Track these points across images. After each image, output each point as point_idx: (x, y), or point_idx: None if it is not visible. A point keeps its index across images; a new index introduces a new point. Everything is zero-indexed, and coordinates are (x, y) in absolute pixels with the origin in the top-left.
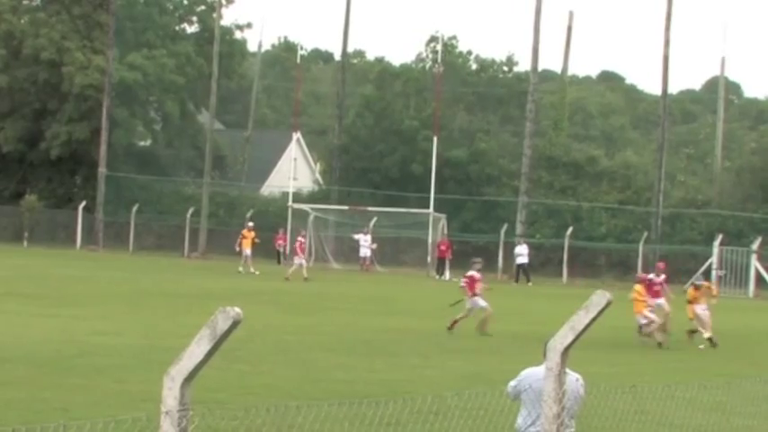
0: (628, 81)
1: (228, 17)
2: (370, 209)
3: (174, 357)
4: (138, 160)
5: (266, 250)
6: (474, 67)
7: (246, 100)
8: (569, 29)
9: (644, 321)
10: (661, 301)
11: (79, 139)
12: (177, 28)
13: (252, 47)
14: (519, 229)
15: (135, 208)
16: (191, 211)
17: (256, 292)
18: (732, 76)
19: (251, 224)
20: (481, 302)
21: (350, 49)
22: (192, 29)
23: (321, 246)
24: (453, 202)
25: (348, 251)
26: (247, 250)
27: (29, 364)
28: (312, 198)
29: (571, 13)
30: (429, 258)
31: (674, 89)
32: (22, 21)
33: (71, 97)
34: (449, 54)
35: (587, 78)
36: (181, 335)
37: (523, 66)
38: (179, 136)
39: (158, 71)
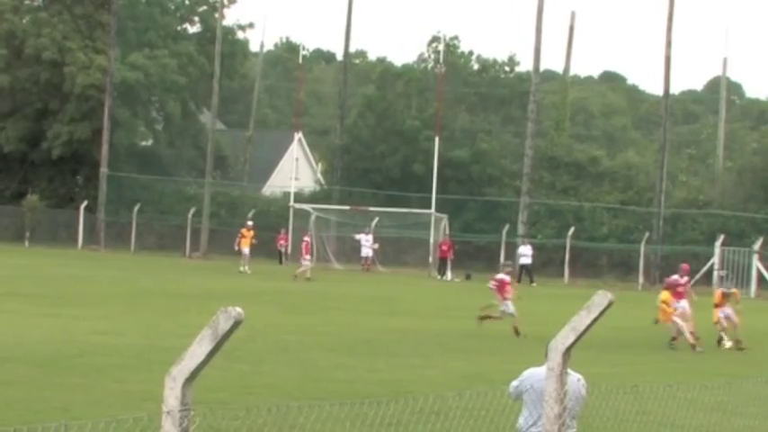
0: (629, 81)
1: (230, 17)
2: (371, 209)
3: (175, 357)
4: (139, 160)
5: (268, 250)
6: (476, 67)
7: (248, 100)
8: (571, 29)
9: (676, 329)
10: (684, 303)
11: (81, 139)
12: (179, 28)
13: (254, 47)
14: (521, 229)
15: (136, 208)
16: (192, 210)
17: (258, 292)
18: (734, 76)
19: (250, 223)
20: (511, 308)
21: (352, 50)
22: (193, 29)
23: (323, 246)
24: (455, 202)
25: (350, 251)
26: (246, 249)
27: (30, 364)
28: (314, 198)
29: (573, 14)
30: (431, 258)
31: (675, 89)
32: (24, 20)
33: (73, 97)
34: (451, 54)
35: (589, 79)
36: (182, 335)
37: (525, 66)
38: (181, 136)
39: (160, 71)
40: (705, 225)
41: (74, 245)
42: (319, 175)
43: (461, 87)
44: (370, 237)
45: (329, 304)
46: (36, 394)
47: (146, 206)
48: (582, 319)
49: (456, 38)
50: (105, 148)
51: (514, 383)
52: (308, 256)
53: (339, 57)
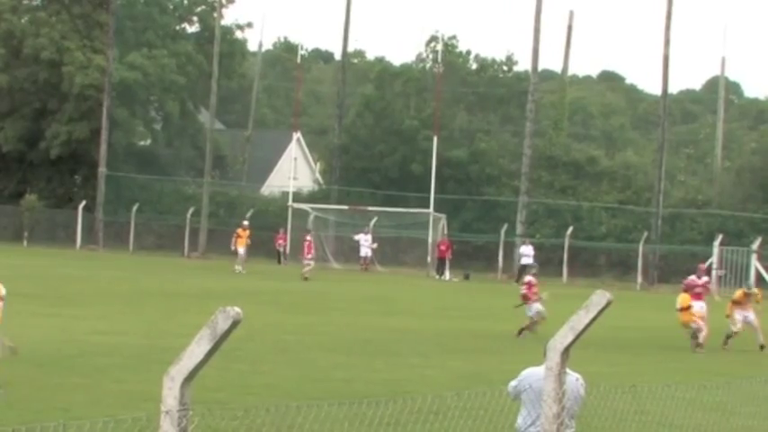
0: (628, 81)
1: (229, 17)
2: (370, 209)
3: (173, 357)
4: (138, 160)
5: (266, 250)
6: (474, 66)
7: (247, 100)
8: (569, 28)
9: (696, 327)
10: (701, 304)
11: (79, 139)
12: (177, 28)
13: (252, 46)
14: (519, 228)
15: (135, 208)
16: (191, 210)
17: (256, 291)
18: (732, 76)
19: (246, 223)
20: (539, 307)
21: (350, 49)
22: (192, 28)
23: (321, 245)
24: (453, 201)
25: (348, 251)
26: (241, 249)
27: (29, 364)
28: (312, 198)
29: (571, 13)
30: (429, 258)
31: (674, 89)
32: (23, 20)
33: (71, 97)
34: (449, 54)
35: (587, 78)
36: (181, 334)
37: (523, 65)
38: (179, 136)
39: (158, 71)
40: (704, 225)
41: (72, 245)
42: (318, 175)
43: (460, 87)
44: (369, 236)
45: (328, 304)
46: (35, 394)
47: (144, 206)
48: (580, 319)
49: (454, 37)
50: (104, 147)
51: (513, 383)
52: (309, 256)
53: (337, 56)
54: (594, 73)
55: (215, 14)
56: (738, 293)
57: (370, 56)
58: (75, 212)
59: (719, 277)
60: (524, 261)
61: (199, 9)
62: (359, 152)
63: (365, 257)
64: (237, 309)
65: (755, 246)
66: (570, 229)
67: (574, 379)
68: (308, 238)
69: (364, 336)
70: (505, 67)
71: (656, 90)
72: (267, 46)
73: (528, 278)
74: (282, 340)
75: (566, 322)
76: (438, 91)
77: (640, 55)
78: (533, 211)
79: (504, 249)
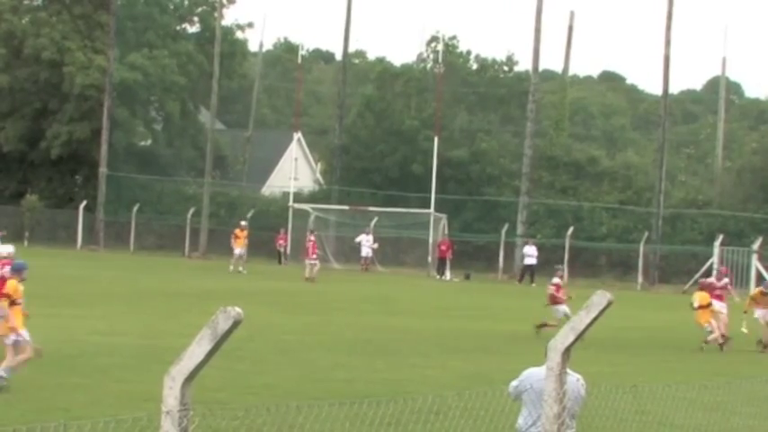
0: (628, 81)
1: (229, 17)
2: (370, 209)
3: (174, 357)
4: (138, 160)
5: (267, 250)
6: (475, 67)
7: (247, 100)
8: (570, 29)
9: (710, 329)
10: (721, 304)
11: (80, 139)
12: (178, 28)
13: (253, 47)
14: (520, 229)
15: (136, 208)
16: (191, 210)
17: (257, 291)
18: (733, 76)
19: (243, 223)
20: (566, 309)
21: (351, 50)
22: (192, 29)
23: (322, 246)
24: (454, 202)
25: (349, 251)
26: (238, 249)
27: (29, 364)
28: (313, 198)
29: (572, 13)
30: (430, 258)
31: (674, 89)
32: (23, 20)
33: (72, 97)
34: (449, 54)
35: (588, 78)
36: (181, 335)
37: (524, 65)
38: (180, 136)
39: (159, 71)
40: (704, 225)
41: (73, 245)
42: (318, 175)
43: (460, 87)
44: (371, 237)
45: (328, 304)
46: (36, 394)
47: (145, 206)
48: (581, 319)
49: (455, 37)
50: (104, 148)
51: (514, 383)
52: (314, 256)
53: (338, 57)
54: (595, 73)
55: (215, 15)
56: (756, 292)
57: (371, 56)
58: (75, 213)
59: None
60: (527, 261)
61: (199, 9)
62: (359, 152)
63: (366, 257)
64: (238, 309)
65: (756, 246)
66: (571, 230)
67: (575, 379)
68: (311, 238)
69: (365, 336)
70: (506, 68)
71: (656, 90)
72: (268, 46)
73: (555, 280)
74: (283, 340)
75: (566, 322)
76: (439, 91)
77: (641, 55)
78: (534, 212)
79: (505, 249)
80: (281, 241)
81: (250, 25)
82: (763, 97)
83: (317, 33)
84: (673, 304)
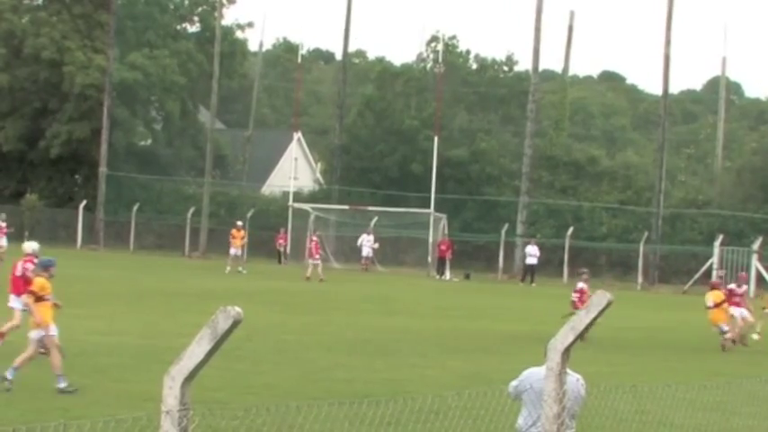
0: (628, 81)
1: (229, 17)
2: (370, 208)
3: (174, 357)
4: (138, 160)
5: (267, 250)
6: (474, 66)
7: (247, 99)
8: (570, 28)
9: (726, 329)
10: (740, 310)
11: (80, 139)
12: (178, 27)
13: (253, 46)
14: (519, 229)
15: (135, 207)
16: (191, 210)
17: (257, 291)
18: (733, 76)
19: (240, 223)
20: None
21: (351, 49)
22: (192, 28)
23: (322, 245)
24: (454, 201)
25: (348, 251)
26: (233, 250)
27: (29, 364)
28: (313, 198)
29: (572, 13)
30: (429, 258)
31: (674, 89)
32: (23, 20)
33: (72, 96)
34: (449, 54)
35: (588, 78)
36: (181, 334)
37: (524, 65)
38: (180, 135)
39: (159, 71)
40: (704, 225)
41: (73, 244)
42: (318, 175)
43: (460, 87)
44: (372, 236)
45: (328, 304)
46: (36, 394)
47: (145, 206)
48: (581, 319)
49: (455, 37)
50: (104, 147)
51: (514, 383)
52: (317, 256)
53: (338, 56)
54: (595, 73)
55: (215, 14)
56: None
57: (371, 56)
58: (75, 212)
59: (720, 277)
60: (529, 261)
61: (199, 9)
62: (359, 152)
63: (366, 257)
64: (238, 308)
65: (756, 246)
66: (571, 230)
67: (574, 379)
68: (314, 238)
69: (364, 336)
70: (506, 67)
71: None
72: (267, 46)
73: (580, 285)
74: (283, 340)
75: (566, 322)
76: (439, 91)
77: (641, 55)
78: (534, 212)
79: (505, 249)
80: (281, 241)
81: (250, 25)
82: (763, 97)
83: (317, 33)
84: (672, 304)
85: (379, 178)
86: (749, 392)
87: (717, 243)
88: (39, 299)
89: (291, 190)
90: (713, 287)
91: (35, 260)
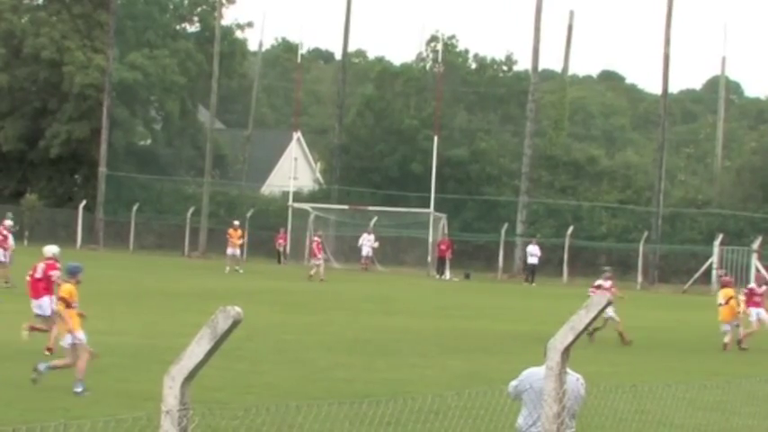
0: (628, 80)
1: (229, 17)
2: (370, 208)
3: (174, 357)
4: (138, 159)
5: (267, 250)
6: (474, 66)
7: (247, 99)
8: (570, 28)
9: (726, 330)
10: (759, 311)
11: (79, 139)
12: (178, 27)
13: (252, 46)
14: (519, 228)
15: (135, 207)
16: (191, 210)
17: (257, 291)
18: (732, 75)
19: (236, 223)
20: (610, 312)
21: (350, 49)
22: (192, 28)
23: (322, 245)
24: (453, 201)
25: (348, 250)
26: (230, 249)
27: (30, 364)
28: (312, 197)
29: (572, 13)
30: (429, 258)
31: (674, 89)
32: (23, 20)
33: (71, 96)
34: (449, 53)
35: (588, 78)
36: (181, 334)
37: (523, 65)
38: (179, 135)
39: (159, 71)
40: (704, 224)
41: (72, 244)
42: (318, 175)
43: (460, 87)
44: (372, 236)
45: (328, 304)
46: (36, 394)
47: (144, 206)
48: (581, 319)
49: (454, 37)
50: (104, 147)
51: (514, 383)
52: (320, 255)
53: (338, 56)
54: (595, 72)
55: (215, 14)
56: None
57: (371, 55)
58: (75, 212)
59: (720, 277)
60: (530, 260)
61: (199, 9)
62: (359, 152)
63: (366, 257)
64: (238, 308)
65: (756, 245)
66: (570, 229)
67: (574, 379)
68: (316, 238)
69: (364, 335)
70: (505, 67)
71: (656, 90)
72: (267, 45)
73: (599, 281)
74: (283, 340)
75: (566, 322)
76: (438, 90)
77: (641, 54)
78: (534, 211)
79: (505, 249)
80: (281, 241)
81: (249, 25)
82: (762, 97)
83: (317, 33)
84: (672, 304)
85: (379, 178)
86: (749, 392)
87: (716, 242)
88: (67, 305)
89: (291, 190)
90: (724, 285)
91: (57, 264)
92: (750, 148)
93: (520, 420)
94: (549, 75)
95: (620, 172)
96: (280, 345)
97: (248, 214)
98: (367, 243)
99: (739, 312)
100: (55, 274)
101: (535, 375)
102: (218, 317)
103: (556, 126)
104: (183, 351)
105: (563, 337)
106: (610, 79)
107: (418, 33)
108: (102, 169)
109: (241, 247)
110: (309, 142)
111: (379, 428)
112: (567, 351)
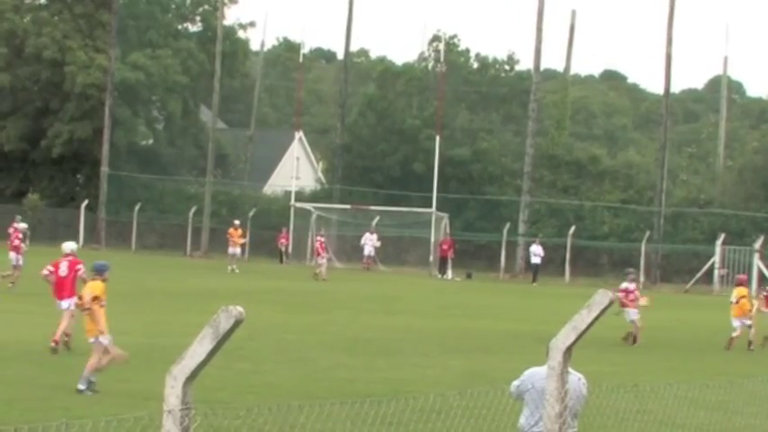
0: (630, 80)
1: (231, 16)
2: (372, 208)
3: (176, 356)
4: (140, 159)
5: (269, 249)
6: (476, 66)
7: (249, 99)
8: (572, 28)
9: (736, 326)
10: None
11: (81, 138)
12: (180, 27)
13: (254, 46)
14: (521, 228)
15: (137, 207)
16: (193, 209)
17: (258, 291)
18: (734, 75)
19: (237, 222)
20: (632, 315)
21: (352, 49)
22: (194, 28)
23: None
24: (455, 201)
25: (350, 250)
26: (232, 249)
27: (31, 363)
28: (314, 197)
29: (573, 12)
30: (431, 257)
31: (676, 88)
32: (25, 20)
33: (73, 96)
34: (451, 53)
35: (590, 77)
36: (183, 334)
37: (525, 64)
38: (181, 135)
39: (161, 71)
40: (706, 224)
41: None
42: (320, 174)
43: (462, 86)
44: (375, 235)
45: (330, 303)
46: (37, 393)
47: (146, 205)
48: (583, 318)
49: (456, 36)
50: (106, 147)
51: (515, 383)
52: (323, 255)
53: (340, 56)
54: (597, 72)
55: (217, 14)
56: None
57: (373, 55)
58: (77, 212)
59: (722, 276)
60: (534, 260)
61: (201, 9)
62: (361, 151)
63: (368, 256)
64: (240, 308)
65: (758, 245)
66: (572, 229)
67: (576, 378)
68: (320, 238)
69: (366, 335)
70: (507, 67)
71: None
72: (269, 45)
73: (624, 285)
74: (284, 339)
75: (568, 322)
76: (440, 90)
77: (643, 54)
78: (536, 211)
79: (507, 249)
80: (283, 240)
81: (252, 24)
82: (764, 96)
83: (319, 32)
84: (674, 303)
85: (381, 178)
86: (751, 392)
87: (718, 242)
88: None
89: (293, 189)
90: (739, 283)
91: (78, 261)
92: (752, 148)
93: (522, 420)
94: (550, 74)
95: (623, 171)
96: (281, 344)
97: (250, 214)
98: (369, 242)
99: (750, 311)
100: (81, 268)
101: (537, 375)
102: (221, 316)
103: (558, 126)
104: (185, 350)
105: (565, 337)
106: (612, 79)
107: (420, 33)
108: (105, 169)
109: (243, 246)
110: (311, 142)
111: (380, 428)
112: (568, 351)
